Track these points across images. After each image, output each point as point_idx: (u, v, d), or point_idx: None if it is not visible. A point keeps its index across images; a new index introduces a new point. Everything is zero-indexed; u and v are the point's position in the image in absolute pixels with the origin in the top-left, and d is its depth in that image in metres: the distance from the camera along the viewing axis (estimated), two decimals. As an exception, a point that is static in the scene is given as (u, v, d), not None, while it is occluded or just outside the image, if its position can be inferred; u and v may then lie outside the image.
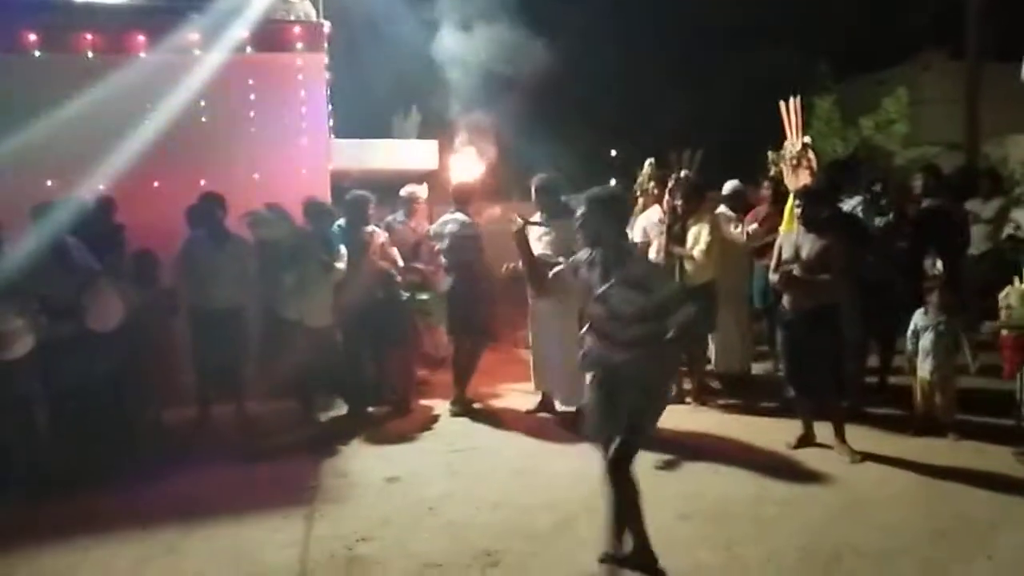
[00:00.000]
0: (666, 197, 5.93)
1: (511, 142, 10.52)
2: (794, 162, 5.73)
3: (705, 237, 5.84)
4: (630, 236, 6.64)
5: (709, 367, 6.65)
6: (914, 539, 3.89)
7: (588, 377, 3.69)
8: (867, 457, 4.90)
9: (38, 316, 4.77)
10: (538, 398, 6.12)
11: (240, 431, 5.81)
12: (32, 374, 4.77)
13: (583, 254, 3.62)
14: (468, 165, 6.79)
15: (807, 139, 5.79)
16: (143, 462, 5.10)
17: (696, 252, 5.79)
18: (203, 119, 6.62)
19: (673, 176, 5.91)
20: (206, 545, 4.05)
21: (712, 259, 5.90)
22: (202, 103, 6.58)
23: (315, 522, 4.28)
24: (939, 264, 5.72)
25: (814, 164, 5.68)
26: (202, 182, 6.28)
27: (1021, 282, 4.99)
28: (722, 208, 6.63)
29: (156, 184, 6.40)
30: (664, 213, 5.94)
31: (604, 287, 3.47)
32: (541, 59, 8.34)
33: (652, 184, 6.45)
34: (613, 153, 21.70)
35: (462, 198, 6.27)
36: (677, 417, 5.91)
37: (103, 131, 6.14)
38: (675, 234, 5.86)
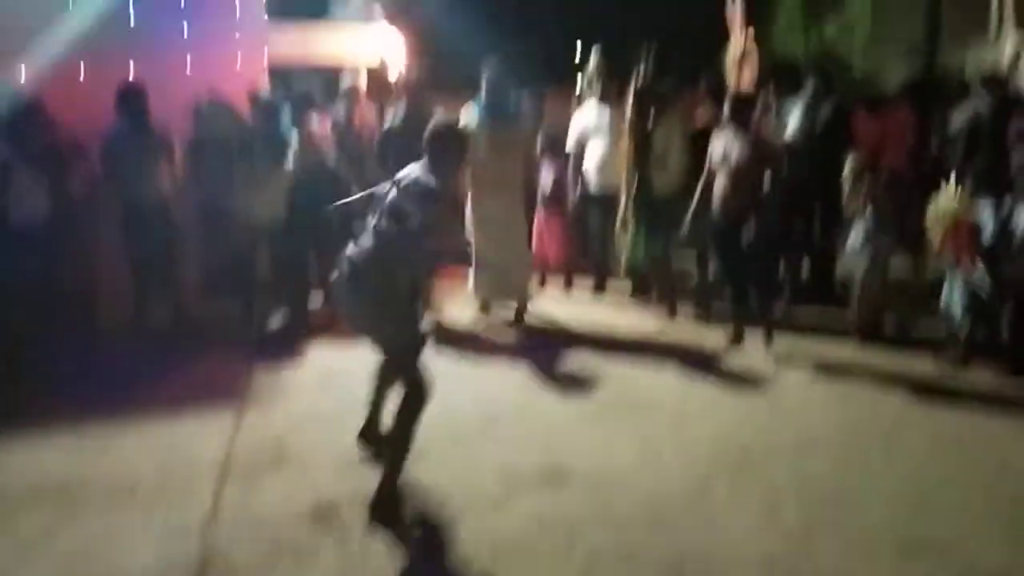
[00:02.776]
0: (627, 101, 5.64)
1: (460, 32, 10.13)
2: (737, 60, 5.61)
3: (678, 144, 5.59)
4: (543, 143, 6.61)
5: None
6: (826, 437, 4.06)
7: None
8: (794, 359, 5.04)
9: None
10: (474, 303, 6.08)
11: (176, 329, 5.77)
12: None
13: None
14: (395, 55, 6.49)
15: (750, 38, 5.64)
16: (78, 359, 5.06)
17: (672, 163, 5.55)
18: (129, 5, 6.22)
19: (632, 75, 5.59)
20: (138, 440, 4.09)
21: (681, 168, 5.64)
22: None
23: (246, 417, 4.34)
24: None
25: (755, 64, 5.57)
26: (130, 70, 5.98)
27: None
28: None
29: (81, 72, 6.08)
30: (624, 114, 5.69)
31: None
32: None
33: (595, 78, 6.22)
34: (579, 45, 21.11)
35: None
36: (611, 317, 6.05)
37: (22, 19, 5.76)
38: (638, 145, 5.57)
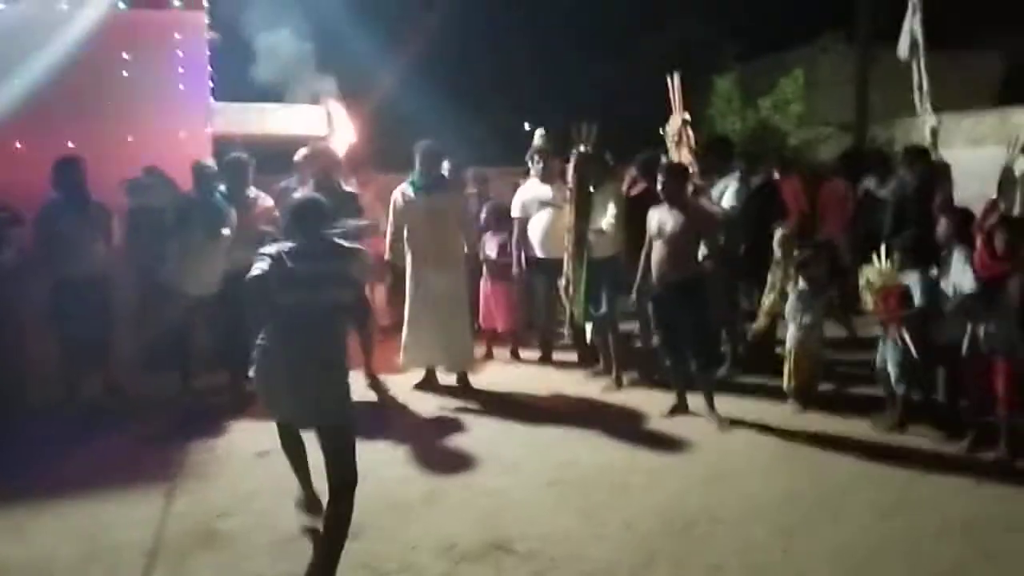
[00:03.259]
0: (569, 172, 5.77)
1: (415, 113, 10.38)
2: (676, 138, 5.82)
3: (612, 210, 5.73)
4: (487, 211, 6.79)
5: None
6: (770, 505, 4.03)
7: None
8: (736, 425, 5.06)
9: None
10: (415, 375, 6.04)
11: (107, 406, 5.56)
12: None
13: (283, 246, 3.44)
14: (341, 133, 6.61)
15: (686, 116, 5.87)
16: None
17: (605, 224, 5.68)
18: (74, 78, 6.23)
19: (573, 151, 5.72)
20: (58, 524, 3.89)
21: (619, 232, 5.77)
22: (74, 61, 6.19)
23: (176, 499, 4.16)
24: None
25: (691, 141, 5.78)
26: (69, 143, 5.94)
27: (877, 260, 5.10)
28: None
29: (17, 145, 6.02)
30: (566, 187, 5.82)
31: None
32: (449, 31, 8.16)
33: (537, 157, 6.39)
34: (527, 126, 21.73)
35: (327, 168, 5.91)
36: (558, 386, 6.03)
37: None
38: (579, 209, 5.65)
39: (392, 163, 8.22)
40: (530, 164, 6.61)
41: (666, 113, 6.09)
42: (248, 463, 4.60)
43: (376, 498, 4.08)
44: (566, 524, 3.83)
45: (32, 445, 4.84)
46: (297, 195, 5.71)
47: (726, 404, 5.27)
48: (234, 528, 3.83)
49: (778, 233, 5.60)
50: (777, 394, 5.49)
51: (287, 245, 3.41)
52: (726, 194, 5.80)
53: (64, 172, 5.32)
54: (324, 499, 3.39)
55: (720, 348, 5.90)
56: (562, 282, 5.81)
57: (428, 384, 5.96)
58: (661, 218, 5.09)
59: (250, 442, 4.90)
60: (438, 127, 7.72)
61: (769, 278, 5.63)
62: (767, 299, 5.63)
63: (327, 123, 7.54)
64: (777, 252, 5.57)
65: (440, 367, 5.98)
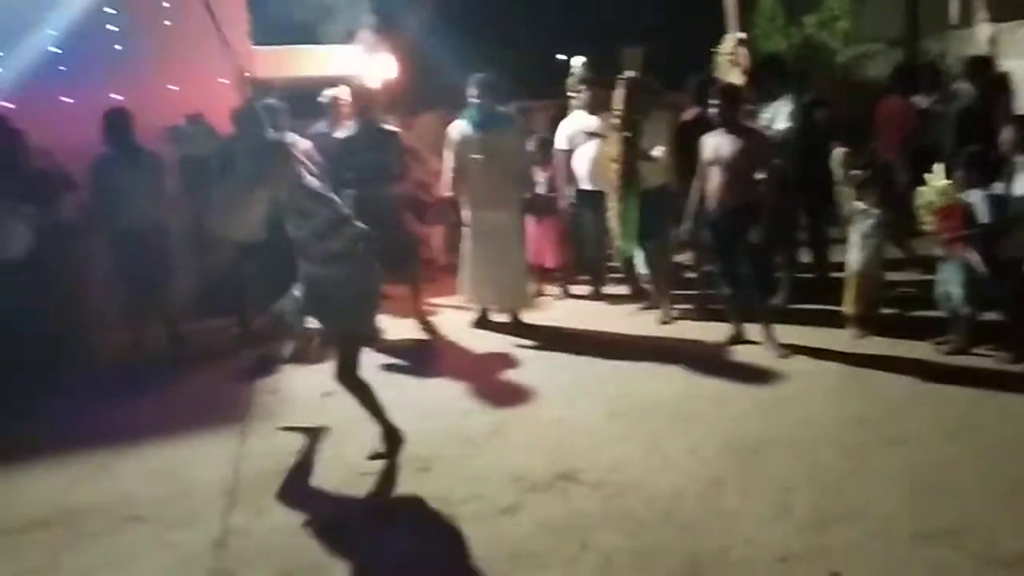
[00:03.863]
0: (617, 99, 5.49)
1: (441, 51, 10.19)
2: (729, 58, 5.63)
3: (666, 139, 5.55)
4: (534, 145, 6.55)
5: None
6: (833, 427, 4.03)
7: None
8: (795, 352, 5.01)
9: None
10: (471, 313, 6.04)
11: (172, 352, 5.72)
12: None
13: None
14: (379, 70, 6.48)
15: (741, 35, 5.66)
16: (73, 388, 5.00)
17: (657, 152, 5.49)
18: (115, 29, 6.24)
19: (621, 78, 5.51)
20: (138, 465, 4.05)
21: (669, 159, 5.59)
22: (113, 11, 6.20)
23: (248, 438, 4.29)
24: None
25: (745, 62, 5.59)
26: (114, 96, 5.98)
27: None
28: None
29: (64, 99, 6.08)
30: (612, 116, 5.55)
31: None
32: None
33: (583, 86, 6.24)
34: (561, 57, 21.24)
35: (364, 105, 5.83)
36: (611, 320, 6.03)
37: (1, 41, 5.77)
38: (628, 138, 5.43)
39: (425, 102, 8.12)
40: (572, 94, 6.48)
41: (713, 33, 5.91)
42: (314, 402, 4.71)
43: (442, 432, 4.19)
44: (630, 453, 3.87)
45: (105, 392, 5.01)
46: (339, 135, 5.76)
47: (785, 332, 5.21)
48: (306, 465, 3.95)
49: (838, 153, 5.43)
50: (835, 320, 5.40)
51: None
52: (779, 116, 5.62)
53: (113, 124, 5.37)
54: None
55: (777, 275, 5.79)
56: (611, 214, 5.74)
57: (482, 323, 5.98)
58: (717, 143, 4.94)
59: (313, 384, 5.01)
60: (469, 63, 7.58)
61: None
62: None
63: (364, 62, 7.45)
64: (838, 172, 5.40)
65: (494, 308, 5.98)
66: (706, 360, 5.05)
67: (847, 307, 5.28)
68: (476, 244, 5.74)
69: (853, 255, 5.22)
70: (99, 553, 3.28)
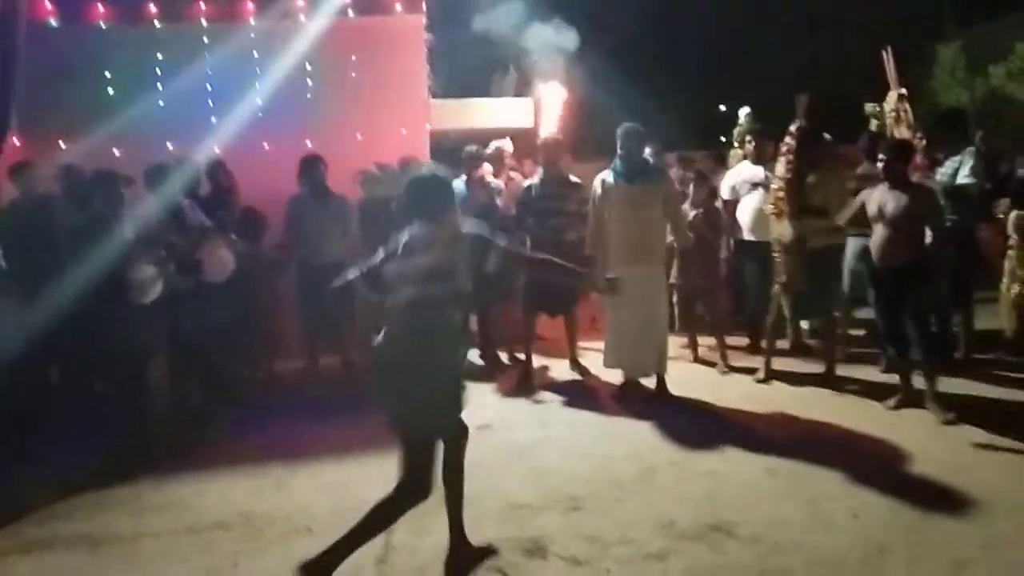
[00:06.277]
0: (783, 151, 5.35)
1: (609, 102, 10.41)
2: (893, 115, 5.47)
3: (836, 198, 5.25)
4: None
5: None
6: (1015, 497, 3.74)
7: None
8: (966, 412, 4.72)
9: (167, 264, 4.99)
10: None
11: (345, 380, 6.14)
12: (159, 324, 5.10)
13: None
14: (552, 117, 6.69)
15: (902, 91, 5.48)
16: (255, 408, 5.48)
17: (838, 217, 5.14)
18: (308, 82, 6.91)
19: (791, 127, 5.32)
20: (312, 481, 4.36)
21: (838, 219, 5.20)
22: (307, 67, 6.87)
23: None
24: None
25: (909, 117, 5.39)
26: (308, 143, 6.59)
27: None
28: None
29: (265, 146, 6.76)
30: (784, 167, 5.33)
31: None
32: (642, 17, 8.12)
33: (748, 138, 6.23)
34: (722, 108, 21.06)
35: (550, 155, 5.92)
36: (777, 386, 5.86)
37: (216, 96, 6.53)
38: (796, 192, 5.20)
39: (589, 151, 8.34)
40: (736, 145, 6.48)
41: (879, 89, 5.74)
42: (471, 434, 4.88)
43: (593, 472, 4.24)
44: (787, 511, 3.76)
45: (281, 410, 5.46)
46: (526, 184, 6.03)
47: (954, 389, 4.93)
48: (466, 493, 4.10)
49: (1013, 215, 5.12)
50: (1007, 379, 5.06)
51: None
52: (961, 170, 5.35)
53: (308, 168, 5.93)
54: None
55: (954, 330, 5.46)
56: (779, 277, 5.48)
57: (628, 388, 5.64)
58: (881, 199, 4.79)
59: (471, 415, 5.20)
60: (628, 113, 7.69)
61: (1006, 265, 5.16)
62: (1010, 290, 5.14)
63: (533, 114, 7.77)
64: (1014, 236, 5.09)
65: (637, 374, 5.65)
66: (871, 421, 4.84)
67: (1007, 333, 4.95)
68: (616, 307, 5.41)
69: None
70: (273, 559, 3.54)
